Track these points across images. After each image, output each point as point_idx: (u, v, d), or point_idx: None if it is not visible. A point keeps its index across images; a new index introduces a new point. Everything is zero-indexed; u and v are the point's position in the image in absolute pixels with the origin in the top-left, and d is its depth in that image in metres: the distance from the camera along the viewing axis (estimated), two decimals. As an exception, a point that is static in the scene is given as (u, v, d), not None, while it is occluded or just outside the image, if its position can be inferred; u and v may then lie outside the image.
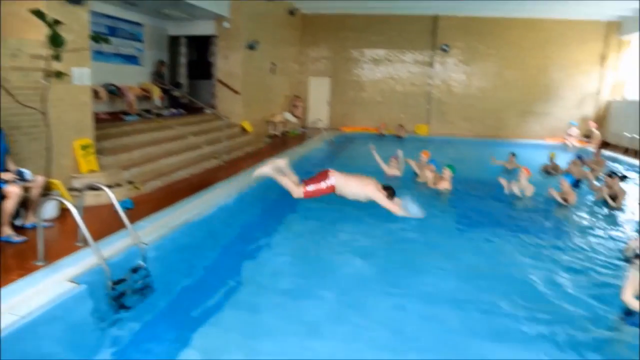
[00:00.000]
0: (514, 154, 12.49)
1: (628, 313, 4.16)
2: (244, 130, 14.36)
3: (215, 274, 5.16)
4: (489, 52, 19.90)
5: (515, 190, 9.09)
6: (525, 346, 4.02)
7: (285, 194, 7.05)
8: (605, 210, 8.58)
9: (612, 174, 9.41)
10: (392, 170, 10.38)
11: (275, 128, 16.91)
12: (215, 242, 5.99)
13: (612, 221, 8.01)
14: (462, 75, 20.24)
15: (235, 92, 14.08)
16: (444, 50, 19.89)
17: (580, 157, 11.68)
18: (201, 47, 15.94)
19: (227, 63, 14.21)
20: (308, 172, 10.41)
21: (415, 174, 10.51)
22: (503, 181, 9.39)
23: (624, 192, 8.95)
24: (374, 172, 9.72)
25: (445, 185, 9.29)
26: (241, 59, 14.20)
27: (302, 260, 5.70)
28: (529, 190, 9.13)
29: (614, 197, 8.82)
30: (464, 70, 20.20)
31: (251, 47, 14.41)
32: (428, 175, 9.73)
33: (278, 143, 15.18)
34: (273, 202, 8.00)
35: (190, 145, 10.88)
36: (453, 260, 5.88)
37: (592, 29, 19.17)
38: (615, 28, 19.02)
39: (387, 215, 7.06)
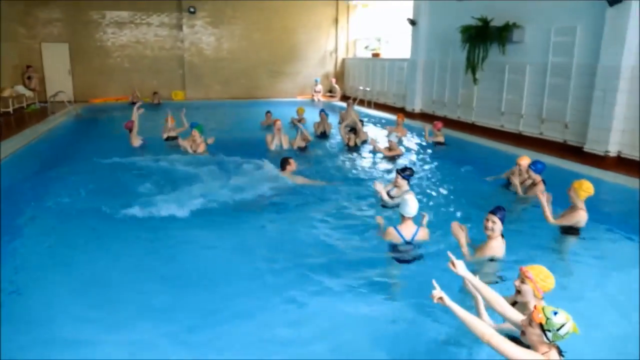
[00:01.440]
0: (269, 112, 13.20)
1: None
2: (-38, 109, 12.02)
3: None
4: (236, 14, 20.22)
5: (277, 142, 9.92)
6: (310, 280, 4.50)
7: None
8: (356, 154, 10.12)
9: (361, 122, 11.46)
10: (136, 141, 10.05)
11: (6, 104, 14.53)
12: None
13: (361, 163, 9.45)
14: (211, 38, 20.22)
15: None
16: (191, 12, 19.51)
17: (323, 111, 12.71)
18: None
19: None
20: (55, 155, 9.44)
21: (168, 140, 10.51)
22: (268, 137, 9.99)
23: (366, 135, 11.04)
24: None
25: (202, 148, 9.47)
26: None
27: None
28: (285, 141, 10.06)
29: (364, 141, 10.79)
30: (213, 33, 20.20)
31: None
32: (183, 143, 9.80)
33: (11, 122, 13.12)
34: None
35: None
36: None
37: (325, -7, 21.07)
38: (343, -7, 21.24)
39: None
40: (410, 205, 4.69)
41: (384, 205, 6.35)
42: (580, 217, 5.28)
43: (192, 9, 19.43)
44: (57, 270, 4.71)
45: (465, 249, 4.58)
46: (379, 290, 4.39)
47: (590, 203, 5.38)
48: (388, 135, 9.91)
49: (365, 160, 9.82)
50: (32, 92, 16.40)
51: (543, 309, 2.66)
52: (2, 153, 8.82)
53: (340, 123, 11.85)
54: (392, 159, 9.59)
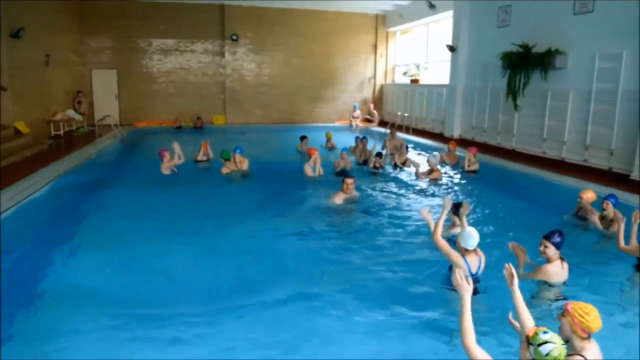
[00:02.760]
0: (304, 137, 13.23)
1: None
2: (18, 132, 12.62)
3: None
4: (277, 41, 20.71)
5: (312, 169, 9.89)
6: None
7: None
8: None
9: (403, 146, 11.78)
10: (167, 166, 9.99)
11: (58, 127, 15.22)
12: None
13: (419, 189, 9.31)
14: (252, 64, 20.72)
15: (1, 88, 12.20)
16: (234, 40, 20.10)
17: (365, 138, 12.57)
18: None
19: (-14, 55, 12.21)
20: (101, 175, 9.81)
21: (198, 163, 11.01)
22: (307, 167, 9.91)
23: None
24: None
25: (225, 170, 9.89)
26: (4, 50, 12.35)
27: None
28: (321, 169, 10.00)
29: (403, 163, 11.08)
30: (254, 59, 20.70)
31: (15, 35, 12.54)
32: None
33: (62, 144, 13.73)
34: (57, 214, 7.30)
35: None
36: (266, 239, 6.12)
37: (365, 21, 21.39)
38: (382, 21, 21.49)
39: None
40: (473, 237, 4.44)
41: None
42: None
43: (234, 37, 20.01)
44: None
45: (521, 269, 4.64)
46: (431, 322, 4.25)
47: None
48: (429, 157, 9.84)
49: (405, 185, 9.71)
50: (81, 116, 17.11)
51: (538, 327, 2.73)
52: (54, 173, 9.22)
53: (384, 149, 11.89)
54: (434, 181, 9.53)
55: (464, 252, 4.51)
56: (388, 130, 15.06)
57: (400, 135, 15.93)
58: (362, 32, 21.50)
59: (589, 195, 6.68)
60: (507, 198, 8.52)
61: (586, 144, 10.62)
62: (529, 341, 2.66)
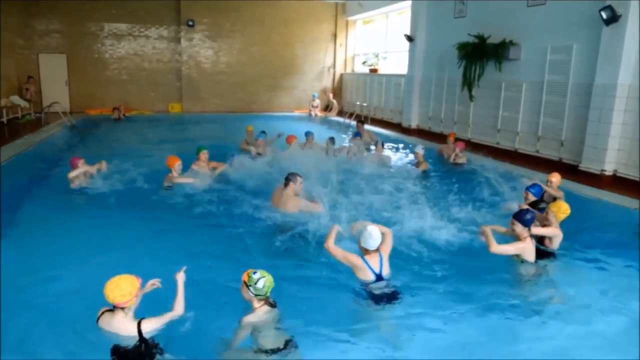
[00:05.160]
0: (249, 126, 12.64)
1: None
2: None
3: None
4: (234, 28, 20.26)
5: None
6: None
7: None
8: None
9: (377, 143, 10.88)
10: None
11: (1, 114, 14.45)
12: None
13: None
14: (209, 51, 20.23)
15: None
16: (190, 26, 19.56)
17: (332, 139, 11.20)
18: None
19: None
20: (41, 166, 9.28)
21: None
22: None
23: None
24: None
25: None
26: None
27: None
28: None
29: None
30: (211, 46, 20.21)
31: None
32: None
33: (5, 132, 13.03)
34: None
35: None
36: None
37: (325, 9, 21.19)
38: (341, 10, 21.32)
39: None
40: (374, 236, 4.18)
41: None
42: (557, 233, 5.18)
43: (190, 23, 19.48)
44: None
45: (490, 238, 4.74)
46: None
47: (586, 222, 5.29)
48: (417, 149, 9.77)
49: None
50: (27, 103, 16.33)
51: (249, 271, 3.38)
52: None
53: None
54: (422, 172, 9.40)
55: (364, 251, 4.27)
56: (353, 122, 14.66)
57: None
58: (321, 20, 21.28)
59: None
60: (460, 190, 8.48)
61: (538, 135, 10.78)
62: (247, 284, 3.30)
